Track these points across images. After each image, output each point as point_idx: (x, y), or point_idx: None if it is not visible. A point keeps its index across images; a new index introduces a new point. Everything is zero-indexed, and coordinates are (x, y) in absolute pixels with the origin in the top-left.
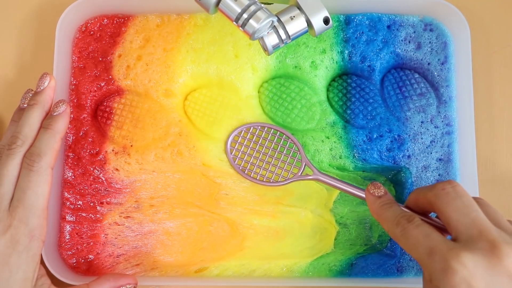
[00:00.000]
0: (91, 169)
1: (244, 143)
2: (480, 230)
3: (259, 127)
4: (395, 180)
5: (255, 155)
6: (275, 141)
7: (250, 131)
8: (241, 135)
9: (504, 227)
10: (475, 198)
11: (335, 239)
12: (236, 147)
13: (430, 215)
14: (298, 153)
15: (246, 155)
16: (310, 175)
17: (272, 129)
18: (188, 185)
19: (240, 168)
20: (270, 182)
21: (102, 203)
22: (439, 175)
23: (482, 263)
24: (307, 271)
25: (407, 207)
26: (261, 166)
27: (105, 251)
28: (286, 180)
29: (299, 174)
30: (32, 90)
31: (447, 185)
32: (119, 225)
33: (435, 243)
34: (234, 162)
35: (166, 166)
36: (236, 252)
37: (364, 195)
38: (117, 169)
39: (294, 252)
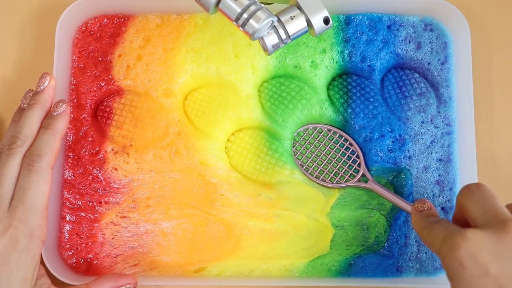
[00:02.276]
0: (90, 168)
1: (308, 140)
2: (494, 214)
3: (326, 129)
4: (396, 181)
5: (316, 153)
6: (338, 145)
7: (317, 130)
8: (307, 131)
9: None
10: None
11: (331, 241)
12: (299, 142)
13: None
14: (358, 160)
15: (307, 151)
16: (365, 184)
17: (338, 134)
18: (184, 185)
19: (299, 163)
20: (325, 181)
21: (100, 202)
22: (439, 175)
23: (490, 237)
24: (305, 271)
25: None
26: (320, 166)
27: (103, 251)
28: (341, 183)
29: (355, 180)
30: (32, 91)
31: (473, 184)
32: (115, 225)
33: (449, 231)
34: (295, 156)
35: (164, 166)
36: (232, 253)
37: (410, 209)
38: (115, 169)
39: (290, 253)
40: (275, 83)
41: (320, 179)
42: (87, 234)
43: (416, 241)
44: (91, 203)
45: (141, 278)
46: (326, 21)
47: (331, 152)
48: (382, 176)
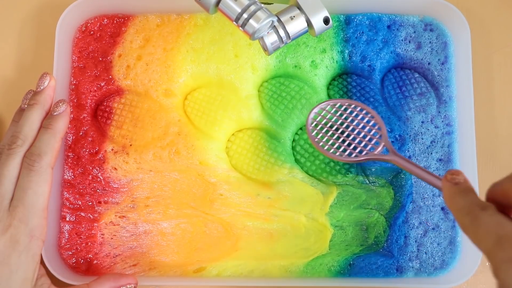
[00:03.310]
0: (90, 168)
1: (327, 117)
2: None
3: (346, 103)
4: (395, 182)
5: (335, 129)
6: (359, 118)
7: (337, 106)
8: (326, 109)
9: None
10: None
11: (330, 241)
12: (318, 119)
13: None
14: (380, 133)
15: (326, 128)
16: (386, 156)
17: (359, 107)
18: (184, 185)
19: (316, 139)
20: (342, 156)
21: (100, 202)
22: (439, 175)
23: None
24: (305, 271)
25: (487, 200)
26: (338, 140)
27: (103, 251)
28: (358, 157)
29: (376, 152)
30: (33, 91)
31: None
32: (114, 225)
33: (506, 231)
34: (311, 133)
35: (163, 166)
36: (231, 253)
37: (440, 183)
38: (115, 168)
39: (289, 253)
40: (275, 83)
41: (337, 154)
42: (87, 234)
43: (415, 241)
44: (90, 203)
45: (141, 278)
46: (326, 21)
47: (350, 126)
48: (381, 176)
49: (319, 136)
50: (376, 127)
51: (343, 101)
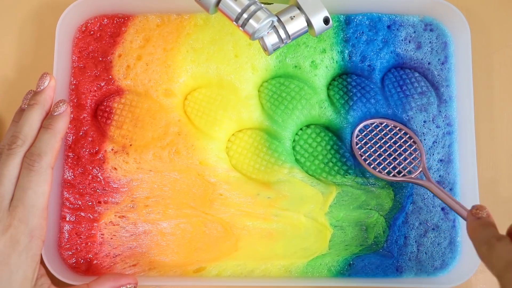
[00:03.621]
0: (90, 168)
1: (372, 133)
2: None
3: (392, 125)
4: (395, 184)
5: (378, 146)
6: (402, 141)
7: (383, 125)
8: (373, 125)
9: None
10: None
11: (330, 241)
12: (363, 134)
13: None
14: (419, 158)
15: (370, 143)
16: (422, 181)
17: (403, 131)
18: (184, 185)
19: (359, 153)
20: (381, 173)
21: (99, 202)
22: (439, 176)
23: None
24: (305, 271)
25: (508, 235)
26: (379, 158)
27: (102, 251)
28: (396, 177)
29: (413, 176)
30: (33, 91)
31: None
32: (114, 225)
33: None
34: (356, 146)
35: (163, 166)
36: (231, 253)
37: (465, 214)
38: (115, 168)
39: (289, 253)
40: (275, 83)
41: (377, 170)
42: (87, 234)
43: (415, 241)
44: (90, 203)
45: (140, 278)
46: (326, 21)
47: (393, 147)
48: (381, 179)
49: (362, 150)
50: (417, 153)
51: (389, 122)
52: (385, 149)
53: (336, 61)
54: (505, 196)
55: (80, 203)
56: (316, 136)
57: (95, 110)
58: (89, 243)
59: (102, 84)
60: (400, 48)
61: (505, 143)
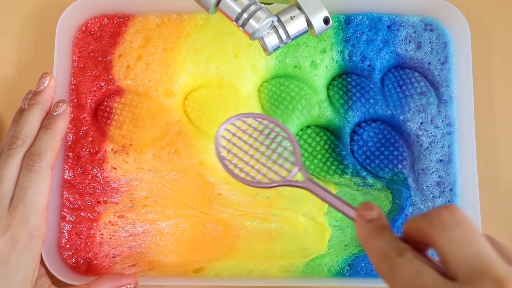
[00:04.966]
0: (90, 168)
1: (237, 134)
2: (484, 266)
3: (259, 118)
4: (392, 186)
5: (245, 149)
6: (270, 136)
7: (247, 121)
8: (236, 124)
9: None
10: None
11: (329, 241)
12: (227, 137)
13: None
14: (293, 155)
15: (235, 147)
16: (300, 182)
17: (272, 123)
18: (183, 185)
19: (225, 160)
20: (253, 181)
21: (99, 202)
22: (439, 176)
23: None
24: (305, 271)
25: (404, 239)
26: (248, 163)
27: (102, 251)
28: (272, 182)
29: (288, 178)
30: (33, 91)
31: (444, 211)
32: (113, 225)
33: (426, 282)
34: (220, 153)
35: (163, 165)
36: (230, 253)
37: (354, 216)
38: (114, 168)
39: (288, 253)
40: (275, 83)
41: (248, 178)
42: (86, 234)
43: None
44: (90, 203)
45: (140, 278)
46: (326, 21)
47: (261, 146)
48: (378, 179)
49: (228, 157)
50: (290, 148)
51: (255, 115)
52: (254, 150)
53: (336, 61)
54: (505, 196)
55: (80, 203)
56: (315, 135)
57: (95, 110)
58: (88, 243)
59: (102, 84)
60: (400, 48)
61: (505, 143)
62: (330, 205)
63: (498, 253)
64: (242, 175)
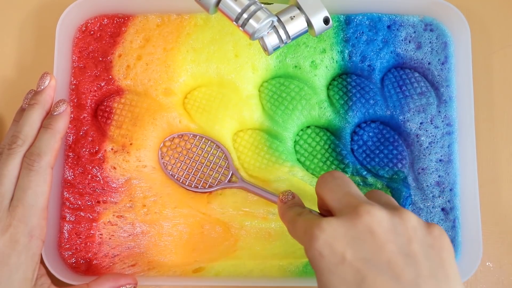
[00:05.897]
0: (90, 168)
1: (176, 149)
2: (348, 200)
3: (191, 135)
4: (392, 185)
5: (185, 161)
6: (205, 149)
7: (182, 137)
8: (173, 141)
9: (379, 202)
10: (371, 191)
11: None
12: (167, 153)
13: None
14: (227, 161)
15: (176, 161)
16: (236, 183)
17: (204, 138)
18: None
19: (170, 173)
20: (198, 188)
21: (98, 202)
22: (439, 176)
23: (344, 224)
24: (304, 271)
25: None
26: (191, 173)
27: (101, 251)
28: (213, 186)
29: (226, 181)
30: (34, 91)
31: (326, 173)
32: (112, 225)
33: (309, 222)
34: (165, 167)
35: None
36: (230, 253)
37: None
38: (114, 167)
39: (287, 253)
40: (275, 83)
41: (192, 186)
42: (86, 234)
43: None
44: (90, 203)
45: (140, 278)
46: (326, 21)
47: (199, 157)
48: (379, 178)
49: (171, 169)
50: (223, 157)
51: (187, 133)
52: (193, 162)
53: (336, 61)
54: (505, 196)
55: (80, 203)
56: (315, 135)
57: (95, 110)
58: (88, 243)
59: (102, 84)
60: (400, 48)
61: (505, 143)
62: (261, 197)
63: (368, 197)
64: (187, 183)
